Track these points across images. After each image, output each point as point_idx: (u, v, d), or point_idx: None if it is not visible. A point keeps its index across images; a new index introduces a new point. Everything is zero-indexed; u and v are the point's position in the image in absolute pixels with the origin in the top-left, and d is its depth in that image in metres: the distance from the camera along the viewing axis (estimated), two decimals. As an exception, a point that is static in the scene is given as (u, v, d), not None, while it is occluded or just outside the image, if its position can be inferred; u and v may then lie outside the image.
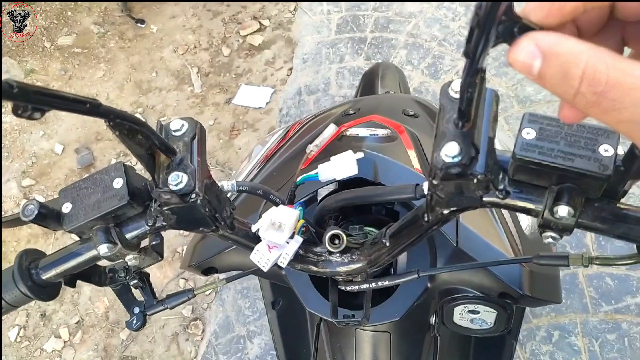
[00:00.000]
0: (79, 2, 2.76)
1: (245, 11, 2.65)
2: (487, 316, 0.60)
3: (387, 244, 0.50)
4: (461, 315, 0.61)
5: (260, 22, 2.58)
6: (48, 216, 0.48)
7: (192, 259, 0.66)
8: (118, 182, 0.48)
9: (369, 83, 1.34)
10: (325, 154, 0.67)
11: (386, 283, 0.53)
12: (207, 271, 0.66)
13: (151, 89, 2.45)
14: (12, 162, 2.31)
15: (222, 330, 1.71)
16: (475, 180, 0.37)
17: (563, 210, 0.35)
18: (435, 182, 0.38)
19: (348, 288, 0.56)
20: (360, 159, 0.66)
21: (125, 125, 0.42)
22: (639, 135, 0.26)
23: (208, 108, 2.33)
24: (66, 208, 0.49)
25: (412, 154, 0.65)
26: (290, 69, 2.40)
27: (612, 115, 0.25)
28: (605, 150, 0.35)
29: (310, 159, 0.54)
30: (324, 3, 2.58)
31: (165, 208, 0.47)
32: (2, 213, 2.19)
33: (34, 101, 0.30)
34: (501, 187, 0.39)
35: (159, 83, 2.46)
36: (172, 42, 2.60)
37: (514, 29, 0.26)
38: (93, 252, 0.50)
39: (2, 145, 2.36)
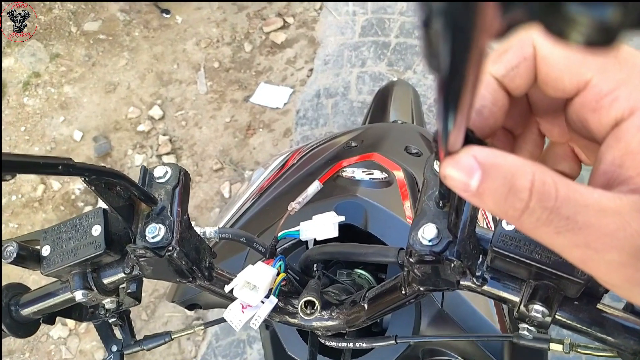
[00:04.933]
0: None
1: (271, 7, 2.63)
2: (470, 379, 0.58)
3: (366, 308, 0.49)
4: (444, 375, 0.60)
5: (284, 19, 2.56)
6: (27, 258, 0.48)
7: (176, 295, 0.66)
8: (96, 230, 0.48)
9: (380, 104, 1.32)
10: (319, 194, 0.66)
11: (363, 345, 0.52)
12: (192, 307, 0.66)
13: (172, 81, 2.46)
14: (32, 145, 2.35)
15: (223, 332, 1.72)
16: (451, 265, 0.36)
17: (537, 310, 0.35)
18: (411, 260, 0.37)
19: (327, 343, 0.55)
20: (352, 203, 0.66)
21: (103, 180, 0.42)
22: (595, 266, 0.22)
23: (226, 104, 2.33)
24: (45, 251, 0.49)
25: (407, 203, 0.64)
26: (311, 70, 2.38)
27: (565, 237, 0.21)
28: None
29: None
30: (350, 3, 2.54)
31: (141, 260, 0.46)
32: (21, 196, 2.24)
33: (3, 168, 0.30)
34: (479, 273, 0.38)
35: (179, 75, 2.47)
36: (196, 34, 2.60)
37: None
38: (70, 295, 0.50)
39: (24, 128, 2.41)
